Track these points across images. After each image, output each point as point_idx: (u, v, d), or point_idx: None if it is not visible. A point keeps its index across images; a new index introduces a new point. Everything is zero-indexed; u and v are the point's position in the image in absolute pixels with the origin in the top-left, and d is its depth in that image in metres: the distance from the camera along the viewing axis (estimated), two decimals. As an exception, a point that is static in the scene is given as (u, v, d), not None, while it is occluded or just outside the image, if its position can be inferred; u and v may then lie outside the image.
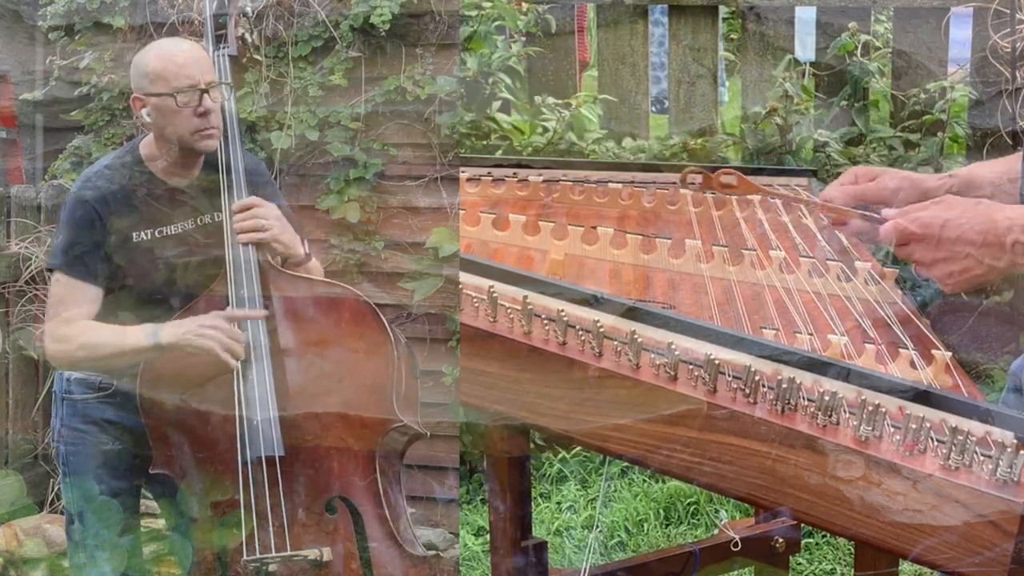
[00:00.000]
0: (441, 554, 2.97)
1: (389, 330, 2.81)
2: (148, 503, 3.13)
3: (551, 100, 4.53)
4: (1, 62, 4.48)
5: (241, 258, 2.82)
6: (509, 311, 2.00)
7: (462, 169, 2.81)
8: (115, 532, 2.97)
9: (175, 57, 2.82)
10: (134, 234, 2.86)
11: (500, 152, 4.39)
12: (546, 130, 4.48)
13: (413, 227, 4.09)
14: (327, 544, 2.76)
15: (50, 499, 4.34)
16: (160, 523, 3.24)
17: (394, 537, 2.78)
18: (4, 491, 4.31)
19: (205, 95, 2.79)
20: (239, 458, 2.74)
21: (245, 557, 2.72)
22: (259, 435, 2.74)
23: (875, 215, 2.11)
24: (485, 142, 4.41)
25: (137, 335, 2.78)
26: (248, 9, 3.13)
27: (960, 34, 4.10)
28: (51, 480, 4.32)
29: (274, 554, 2.72)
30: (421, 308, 4.06)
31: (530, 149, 4.45)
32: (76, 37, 4.33)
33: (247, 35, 2.92)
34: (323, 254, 4.00)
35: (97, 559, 2.99)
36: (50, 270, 2.93)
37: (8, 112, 4.48)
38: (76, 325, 2.82)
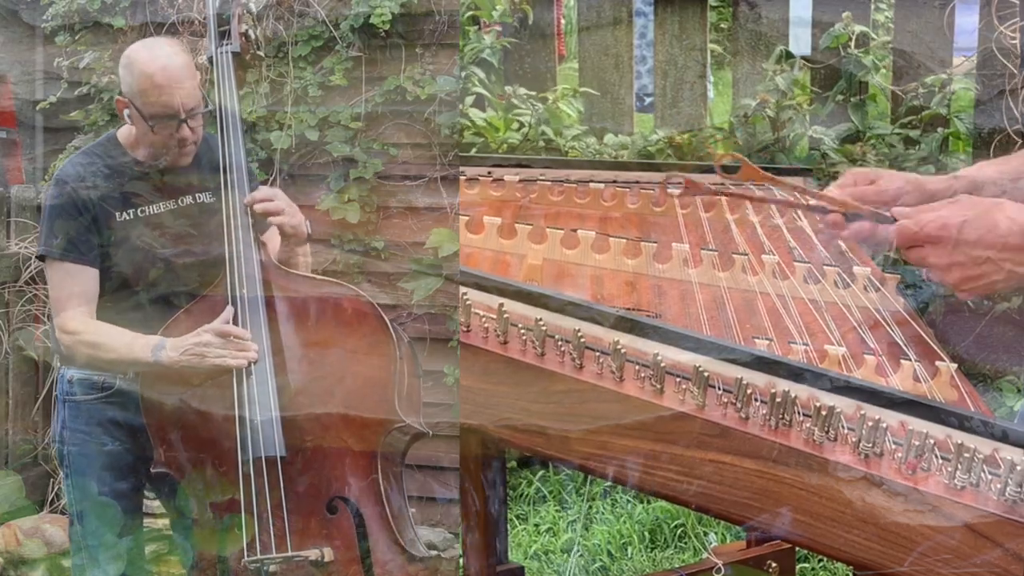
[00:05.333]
0: (441, 554, 3.02)
1: (391, 329, 2.87)
2: (149, 503, 3.23)
3: (523, 91, 4.59)
4: (1, 62, 4.65)
5: (243, 257, 2.89)
6: (483, 319, 1.99)
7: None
8: (116, 533, 3.08)
9: (156, 77, 2.89)
10: (117, 214, 2.96)
11: (475, 150, 4.42)
12: (521, 125, 4.52)
13: (413, 227, 4.26)
14: (328, 544, 2.82)
15: (50, 499, 4.51)
16: (161, 523, 3.37)
17: (395, 537, 2.84)
18: (4, 491, 4.47)
19: (183, 125, 2.91)
20: (239, 458, 2.81)
21: (246, 558, 2.78)
22: (260, 435, 2.81)
23: (885, 214, 2.08)
24: (457, 138, 4.44)
25: (141, 348, 2.86)
26: (251, 5, 3.25)
27: (966, 21, 4.11)
28: (51, 480, 4.49)
29: (275, 554, 2.78)
30: (421, 308, 4.23)
31: (505, 147, 4.47)
32: (76, 37, 4.52)
33: (251, 31, 3.02)
34: (323, 254, 4.20)
35: (99, 560, 3.09)
36: (41, 258, 3.05)
37: (8, 112, 4.64)
38: (85, 322, 2.94)
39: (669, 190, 2.66)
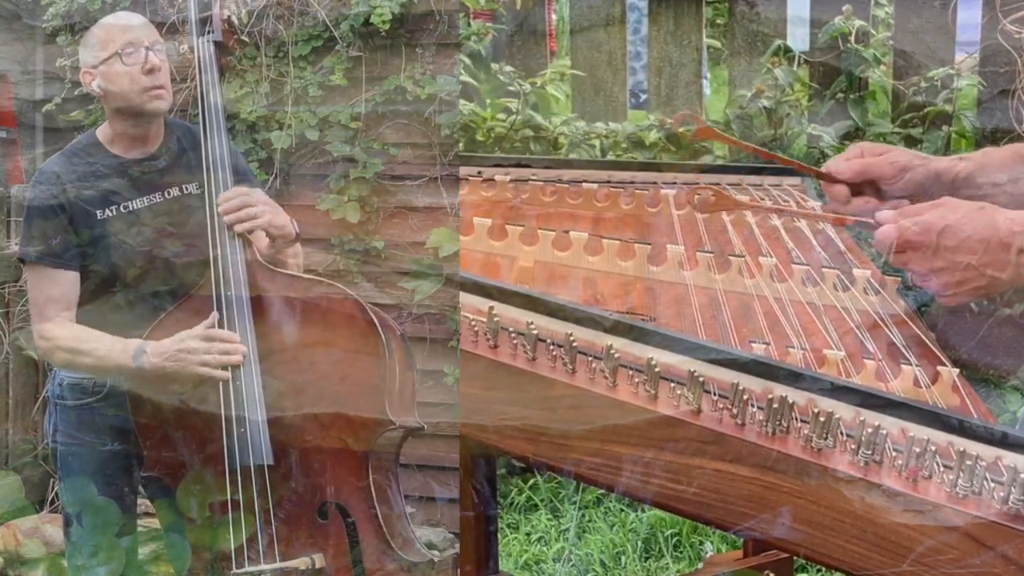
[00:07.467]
0: (440, 554, 3.02)
1: (379, 328, 2.86)
2: (147, 502, 3.26)
3: (509, 68, 4.63)
4: (1, 62, 4.72)
5: (227, 255, 2.89)
6: (473, 323, 1.99)
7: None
8: (112, 533, 3.12)
9: (117, 22, 3.04)
10: (98, 212, 2.99)
11: (461, 144, 4.44)
12: (510, 112, 4.54)
13: (413, 227, 4.34)
14: (319, 551, 2.83)
15: (50, 499, 4.58)
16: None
17: (387, 541, 2.85)
18: (4, 491, 4.55)
19: (150, 52, 2.96)
20: (227, 466, 2.82)
21: (234, 569, 2.81)
22: (247, 442, 2.82)
23: (868, 220, 2.08)
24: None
25: (122, 353, 2.88)
26: None
27: (969, 17, 4.10)
28: (51, 480, 4.56)
29: (263, 566, 2.80)
30: (421, 308, 4.30)
31: (492, 136, 4.51)
32: (77, 37, 4.57)
33: (233, 17, 3.06)
34: (323, 254, 4.29)
35: (94, 560, 3.14)
36: (22, 261, 3.09)
37: (8, 112, 4.71)
38: (64, 327, 2.97)
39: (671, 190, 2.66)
